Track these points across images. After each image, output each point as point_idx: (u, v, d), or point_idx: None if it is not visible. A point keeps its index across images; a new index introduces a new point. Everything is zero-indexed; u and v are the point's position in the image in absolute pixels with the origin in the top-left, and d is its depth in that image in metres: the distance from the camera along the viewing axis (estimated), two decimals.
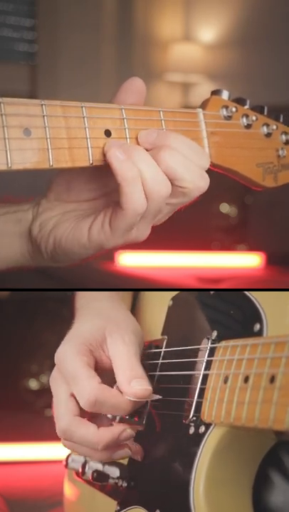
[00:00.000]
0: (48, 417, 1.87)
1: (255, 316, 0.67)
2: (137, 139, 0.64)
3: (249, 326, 0.67)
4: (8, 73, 3.28)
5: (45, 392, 1.96)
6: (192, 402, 0.71)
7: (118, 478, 0.77)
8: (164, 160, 0.62)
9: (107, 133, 0.63)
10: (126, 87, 0.66)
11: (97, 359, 0.73)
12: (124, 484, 0.77)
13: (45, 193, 0.70)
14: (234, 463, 0.67)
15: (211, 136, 0.69)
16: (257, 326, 0.67)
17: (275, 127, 0.74)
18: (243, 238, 2.76)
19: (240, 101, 0.72)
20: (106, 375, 0.72)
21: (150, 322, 0.84)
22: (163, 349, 0.80)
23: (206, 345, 0.71)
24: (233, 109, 0.71)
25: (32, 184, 1.00)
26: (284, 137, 0.75)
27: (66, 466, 0.81)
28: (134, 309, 0.89)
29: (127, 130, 0.64)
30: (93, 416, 0.72)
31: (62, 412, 0.71)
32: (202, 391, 0.70)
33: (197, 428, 0.70)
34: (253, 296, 0.69)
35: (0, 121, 0.57)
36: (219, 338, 0.71)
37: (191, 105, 3.02)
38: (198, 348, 0.73)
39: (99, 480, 0.76)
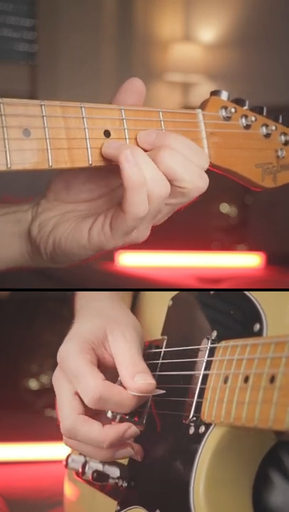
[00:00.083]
0: (48, 417, 1.87)
1: (255, 316, 0.67)
2: (136, 139, 0.64)
3: (249, 326, 0.67)
4: (8, 73, 3.28)
5: (45, 392, 1.96)
6: (192, 402, 0.70)
7: (118, 478, 0.77)
8: (163, 160, 0.62)
9: (107, 133, 0.63)
10: (126, 88, 0.66)
11: (100, 357, 0.73)
12: (125, 484, 0.77)
13: (44, 193, 0.70)
14: (234, 463, 0.67)
15: (210, 137, 0.69)
16: (257, 326, 0.67)
17: (274, 128, 0.74)
18: (243, 238, 2.75)
19: (239, 101, 0.72)
20: (108, 372, 0.72)
21: (150, 322, 0.84)
22: (163, 349, 0.80)
23: (206, 345, 0.71)
24: (232, 110, 0.71)
25: (31, 184, 1.00)
26: (283, 138, 0.75)
27: (66, 466, 0.81)
28: (134, 309, 0.89)
29: (126, 131, 0.64)
30: (94, 415, 0.72)
31: (67, 411, 0.71)
32: (202, 391, 0.70)
33: (197, 428, 0.70)
34: (253, 296, 0.69)
35: None
36: (219, 338, 0.71)
37: (191, 105, 3.02)
38: (198, 348, 0.73)
39: (99, 480, 0.76)
